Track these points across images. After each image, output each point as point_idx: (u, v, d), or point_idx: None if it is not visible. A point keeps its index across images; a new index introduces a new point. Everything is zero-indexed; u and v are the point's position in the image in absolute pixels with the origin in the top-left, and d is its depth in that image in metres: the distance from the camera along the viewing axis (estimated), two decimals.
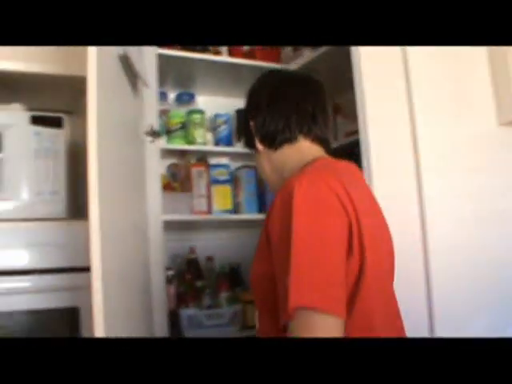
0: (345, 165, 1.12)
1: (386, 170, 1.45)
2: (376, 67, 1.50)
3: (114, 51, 1.27)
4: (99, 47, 1.07)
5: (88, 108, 1.01)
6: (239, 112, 2.28)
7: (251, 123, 1.16)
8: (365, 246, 0.95)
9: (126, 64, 1.34)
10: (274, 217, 0.96)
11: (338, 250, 0.91)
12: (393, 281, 1.10)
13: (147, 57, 1.76)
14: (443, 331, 1.39)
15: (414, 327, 1.38)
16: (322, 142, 1.15)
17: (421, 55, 1.52)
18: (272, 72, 1.25)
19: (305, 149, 1.12)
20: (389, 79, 1.52)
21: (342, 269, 0.91)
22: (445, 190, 1.49)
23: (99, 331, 0.94)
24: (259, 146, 1.16)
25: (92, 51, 1.05)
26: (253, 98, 1.19)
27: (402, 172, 1.47)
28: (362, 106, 1.46)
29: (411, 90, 1.50)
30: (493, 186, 1.59)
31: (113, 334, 1.01)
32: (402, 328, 1.10)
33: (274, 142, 1.13)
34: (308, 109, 1.13)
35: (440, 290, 1.42)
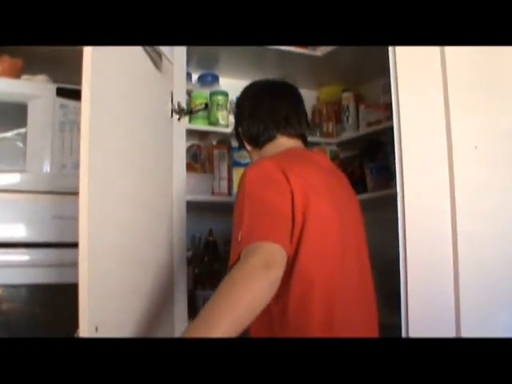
0: (313, 154, 1.42)
1: (418, 160, 1.42)
2: (411, 56, 1.47)
3: None
4: None
5: (82, 83, 0.99)
6: None
7: (239, 129, 1.43)
8: (307, 216, 1.12)
9: None
10: (236, 195, 1.19)
11: (280, 205, 1.11)
12: (360, 273, 1.26)
13: None
14: (469, 327, 1.37)
15: (440, 324, 1.36)
16: (299, 136, 1.39)
17: (458, 48, 1.49)
18: (253, 84, 1.48)
19: (282, 144, 1.36)
20: (424, 69, 1.49)
21: (286, 218, 1.10)
22: (477, 183, 1.45)
23: (83, 308, 0.94)
24: (248, 147, 1.43)
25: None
26: (238, 108, 1.46)
27: (434, 163, 1.44)
28: (395, 94, 1.43)
29: (447, 80, 1.47)
30: None
31: (104, 312, 1.02)
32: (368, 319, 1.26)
33: (257, 142, 1.38)
34: (282, 112, 1.37)
35: (468, 285, 1.38)
